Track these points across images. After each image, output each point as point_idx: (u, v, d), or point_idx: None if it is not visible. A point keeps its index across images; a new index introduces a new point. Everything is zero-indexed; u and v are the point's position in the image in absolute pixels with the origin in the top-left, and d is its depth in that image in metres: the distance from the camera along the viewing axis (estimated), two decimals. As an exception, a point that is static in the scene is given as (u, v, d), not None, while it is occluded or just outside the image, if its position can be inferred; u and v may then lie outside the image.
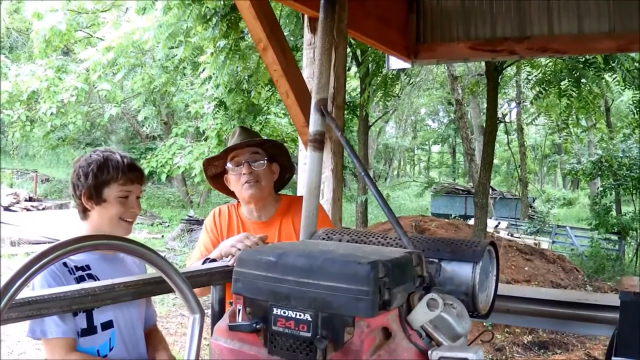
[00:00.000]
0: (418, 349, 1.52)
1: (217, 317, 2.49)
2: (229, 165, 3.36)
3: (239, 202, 3.48)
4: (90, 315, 2.56)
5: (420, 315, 1.56)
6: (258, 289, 1.60)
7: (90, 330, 2.56)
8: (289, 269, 1.55)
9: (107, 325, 2.61)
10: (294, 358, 1.51)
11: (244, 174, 3.26)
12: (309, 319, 1.49)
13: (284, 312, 1.53)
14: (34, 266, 1.33)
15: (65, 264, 2.55)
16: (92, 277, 2.59)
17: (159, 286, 2.30)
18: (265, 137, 3.61)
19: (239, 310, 1.65)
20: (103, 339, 2.59)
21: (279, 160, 3.46)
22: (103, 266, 2.66)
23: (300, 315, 1.51)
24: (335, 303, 1.47)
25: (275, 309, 1.55)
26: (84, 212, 2.77)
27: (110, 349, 2.62)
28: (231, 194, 3.47)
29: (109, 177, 2.68)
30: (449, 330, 1.61)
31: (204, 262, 2.89)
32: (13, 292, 1.28)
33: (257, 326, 1.57)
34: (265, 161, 3.32)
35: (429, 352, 1.51)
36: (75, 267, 2.58)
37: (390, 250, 1.76)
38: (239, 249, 2.84)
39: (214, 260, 2.91)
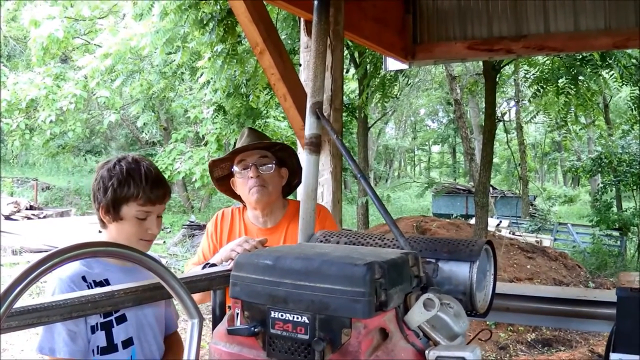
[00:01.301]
0: (415, 349, 1.53)
1: (218, 321, 2.49)
2: (235, 168, 3.26)
3: (244, 205, 3.40)
4: (110, 334, 2.49)
5: (417, 315, 1.56)
6: (256, 292, 1.60)
7: (110, 348, 2.49)
8: (286, 272, 1.56)
9: (128, 342, 2.54)
10: (293, 360, 1.52)
11: (250, 177, 3.16)
12: (307, 321, 1.50)
13: (282, 315, 1.54)
14: (33, 273, 1.33)
15: (84, 278, 2.48)
16: None
17: (159, 292, 2.29)
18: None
19: (237, 314, 1.66)
20: (124, 357, 2.53)
21: (288, 164, 3.34)
22: (121, 278, 2.51)
23: (297, 318, 1.51)
24: (332, 305, 1.47)
25: (273, 312, 1.55)
26: (103, 223, 2.64)
27: None
28: (237, 197, 3.39)
29: (129, 195, 2.51)
30: (446, 330, 1.61)
31: (203, 267, 2.86)
32: (11, 300, 1.28)
33: (256, 329, 1.57)
34: (274, 165, 3.22)
35: (427, 351, 1.52)
36: (94, 281, 2.50)
37: (386, 251, 1.77)
38: (239, 253, 2.81)
39: (214, 265, 2.88)
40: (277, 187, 3.27)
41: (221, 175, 3.45)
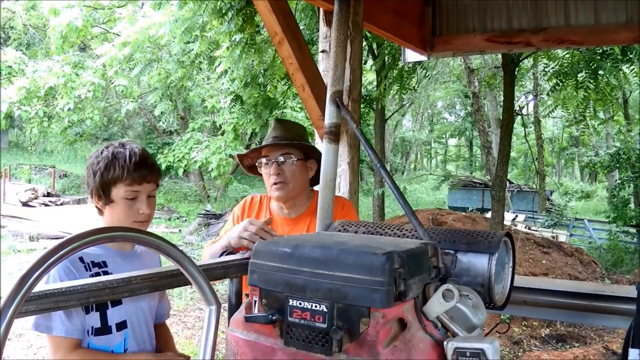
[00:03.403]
0: (434, 340, 1.52)
1: (234, 309, 2.49)
2: (261, 160, 3.30)
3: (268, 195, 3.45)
4: (104, 315, 2.53)
5: (436, 306, 1.56)
6: (274, 280, 1.60)
7: (104, 329, 2.53)
8: (304, 260, 1.56)
9: (122, 325, 2.58)
10: (310, 349, 1.52)
11: (271, 174, 3.22)
12: (325, 310, 1.50)
13: (300, 304, 1.54)
14: (52, 258, 1.33)
15: (81, 259, 2.51)
16: (107, 274, 2.51)
17: (175, 279, 2.31)
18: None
19: (255, 301, 1.66)
20: (117, 340, 2.56)
21: (316, 155, 3.32)
22: (119, 263, 2.60)
23: (316, 307, 1.51)
24: (350, 294, 1.47)
25: (291, 300, 1.55)
26: (99, 209, 2.71)
27: (125, 350, 2.59)
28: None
29: (115, 176, 2.58)
30: (464, 321, 1.61)
31: (220, 255, 2.87)
32: (30, 284, 1.29)
33: (273, 317, 1.57)
34: (296, 160, 3.24)
35: (445, 342, 1.51)
36: (92, 262, 2.54)
37: (405, 241, 1.76)
38: (246, 238, 2.84)
39: (231, 253, 2.89)
40: (299, 182, 3.29)
41: (250, 164, 3.51)
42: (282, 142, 3.28)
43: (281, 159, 3.23)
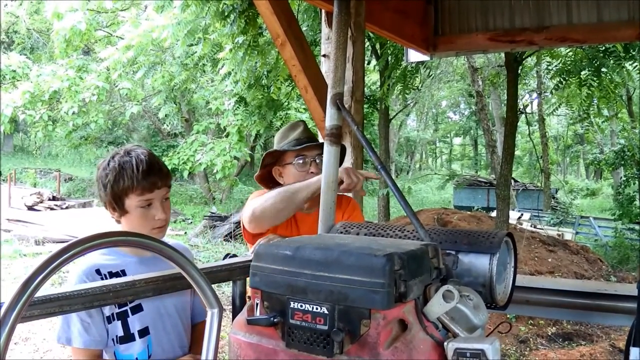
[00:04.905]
0: (434, 341, 1.52)
1: (238, 311, 2.50)
2: (296, 160, 3.37)
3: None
4: (126, 323, 2.53)
5: (436, 307, 1.56)
6: (275, 282, 1.61)
7: (127, 337, 2.53)
8: (305, 262, 1.56)
9: (144, 332, 2.57)
10: (312, 351, 1.52)
11: (311, 172, 3.31)
12: (326, 312, 1.50)
13: (301, 306, 1.54)
14: (55, 262, 1.34)
15: (98, 271, 2.52)
16: None
17: (179, 282, 2.32)
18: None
19: (257, 304, 1.66)
20: (140, 347, 2.56)
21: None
22: (139, 269, 2.56)
23: (317, 309, 1.51)
24: (351, 296, 1.47)
25: (292, 303, 1.56)
26: (116, 220, 2.69)
27: (149, 356, 2.59)
28: (268, 187, 3.46)
29: (125, 187, 2.55)
30: (465, 322, 1.61)
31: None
32: (32, 289, 1.29)
33: (275, 320, 1.58)
34: None
35: (445, 343, 1.51)
36: (110, 273, 2.53)
37: (406, 242, 1.76)
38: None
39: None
40: None
41: (269, 162, 3.53)
42: (317, 143, 3.38)
43: (319, 157, 3.29)
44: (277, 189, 3.15)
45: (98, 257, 2.57)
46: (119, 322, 2.52)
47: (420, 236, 1.90)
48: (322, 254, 1.56)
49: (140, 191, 2.57)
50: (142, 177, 2.56)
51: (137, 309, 2.55)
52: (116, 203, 2.59)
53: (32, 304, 1.83)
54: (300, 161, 3.36)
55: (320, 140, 3.44)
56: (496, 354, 1.44)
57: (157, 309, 2.62)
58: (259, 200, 3.14)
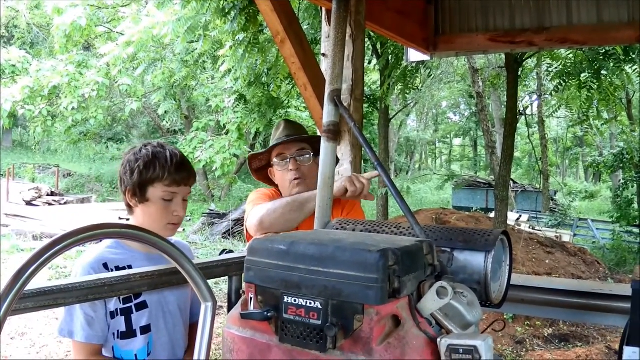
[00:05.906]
0: (428, 337, 1.52)
1: (234, 307, 2.50)
2: (275, 160, 3.34)
3: (279, 192, 3.46)
4: (129, 319, 2.53)
5: (430, 303, 1.56)
6: (269, 277, 1.61)
7: (129, 333, 2.54)
8: (300, 257, 1.56)
9: (146, 329, 2.58)
10: (305, 346, 1.52)
11: (290, 170, 3.26)
12: (320, 307, 1.50)
13: (295, 300, 1.54)
14: (46, 254, 1.34)
15: (105, 265, 2.52)
16: None
17: (175, 277, 2.32)
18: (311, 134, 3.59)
19: (251, 298, 1.66)
20: (141, 344, 2.57)
21: None
22: (146, 265, 2.52)
23: (310, 303, 1.51)
24: (345, 291, 1.47)
25: (286, 297, 1.56)
26: (130, 207, 2.69)
27: (149, 354, 2.59)
28: (275, 186, 3.47)
29: (155, 176, 2.58)
30: (459, 319, 1.61)
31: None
32: (24, 280, 1.29)
33: (269, 314, 1.57)
34: (312, 156, 3.29)
35: (439, 339, 1.51)
36: (117, 267, 2.53)
37: (401, 239, 1.76)
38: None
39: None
40: (315, 178, 3.29)
41: (259, 166, 3.53)
42: (295, 137, 3.32)
43: (297, 155, 3.28)
44: (286, 199, 3.12)
45: (106, 251, 2.58)
46: (122, 317, 2.53)
47: (416, 233, 1.90)
48: (316, 249, 1.56)
49: (169, 182, 2.60)
50: (174, 170, 2.60)
51: (142, 306, 2.56)
52: (140, 189, 2.60)
53: (26, 297, 1.83)
54: (279, 160, 3.33)
55: (302, 134, 3.38)
56: (489, 350, 1.44)
57: (160, 307, 2.63)
58: (266, 209, 3.10)
